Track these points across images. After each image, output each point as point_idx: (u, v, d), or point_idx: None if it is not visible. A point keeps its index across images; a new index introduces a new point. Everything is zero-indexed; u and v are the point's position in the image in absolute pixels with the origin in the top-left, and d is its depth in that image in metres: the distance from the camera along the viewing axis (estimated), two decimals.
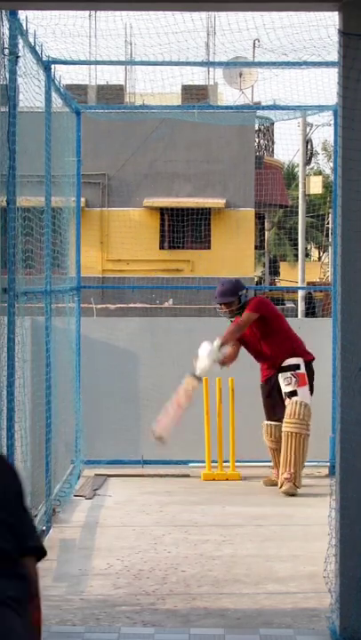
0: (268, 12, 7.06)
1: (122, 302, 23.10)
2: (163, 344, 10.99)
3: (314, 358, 9.56)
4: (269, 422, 9.60)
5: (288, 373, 9.38)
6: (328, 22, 7.42)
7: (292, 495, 9.16)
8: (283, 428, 9.32)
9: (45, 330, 8.24)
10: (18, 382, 6.53)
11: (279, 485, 9.30)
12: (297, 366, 9.39)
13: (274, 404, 9.52)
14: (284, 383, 9.39)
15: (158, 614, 5.91)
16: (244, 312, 9.44)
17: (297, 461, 9.23)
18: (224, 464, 10.06)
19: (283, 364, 9.41)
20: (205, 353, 9.26)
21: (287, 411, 9.30)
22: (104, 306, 21.56)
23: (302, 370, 9.39)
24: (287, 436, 9.26)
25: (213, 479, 9.94)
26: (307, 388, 9.37)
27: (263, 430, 9.65)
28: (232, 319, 9.56)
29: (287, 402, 9.34)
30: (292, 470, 9.21)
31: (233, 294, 9.52)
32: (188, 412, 10.05)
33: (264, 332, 9.47)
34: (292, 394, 9.33)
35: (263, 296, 9.77)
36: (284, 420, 9.32)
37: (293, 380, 9.34)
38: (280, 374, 9.43)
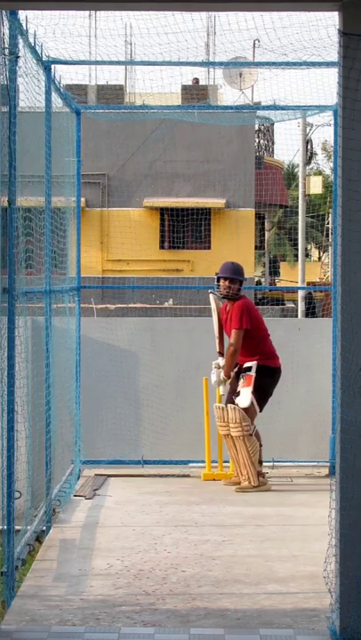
0: (268, 11, 7.06)
1: (122, 302, 23.10)
2: (163, 344, 10.99)
3: (280, 366, 9.66)
4: (221, 404, 9.67)
5: (242, 374, 9.59)
6: (328, 22, 7.42)
7: (247, 491, 9.32)
8: (231, 432, 9.49)
9: (45, 330, 8.24)
10: (18, 382, 6.53)
11: (237, 483, 9.49)
12: (249, 369, 9.53)
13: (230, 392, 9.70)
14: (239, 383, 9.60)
15: (158, 614, 5.91)
16: (231, 324, 9.55)
17: (247, 461, 9.40)
18: (224, 464, 10.06)
19: (244, 366, 9.58)
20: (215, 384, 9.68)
21: (229, 415, 9.49)
22: (104, 306, 21.55)
23: (252, 372, 9.50)
24: (232, 440, 9.49)
25: (213, 479, 9.94)
26: (250, 389, 9.47)
27: (217, 415, 9.67)
28: (225, 298, 9.70)
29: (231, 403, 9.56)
30: (243, 470, 9.43)
31: (240, 274, 9.77)
32: (188, 413, 10.06)
33: (248, 338, 9.61)
34: (237, 394, 9.52)
35: (247, 299, 9.95)
36: (229, 424, 9.52)
37: (242, 380, 9.53)
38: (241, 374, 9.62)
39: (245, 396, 9.46)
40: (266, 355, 9.60)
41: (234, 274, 9.70)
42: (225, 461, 10.07)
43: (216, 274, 9.84)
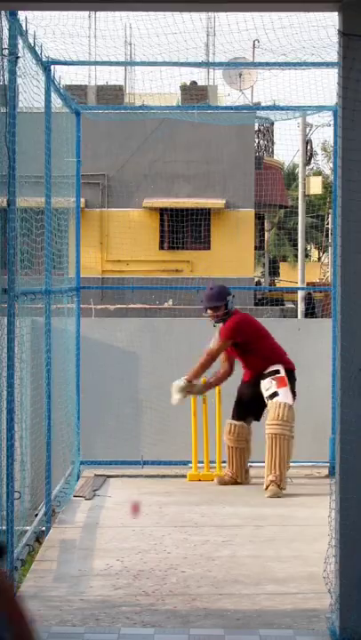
0: (268, 12, 7.07)
1: (121, 303, 23.09)
2: (163, 344, 10.99)
3: (295, 368, 9.55)
4: (233, 421, 9.62)
5: (268, 379, 9.39)
6: (328, 22, 7.43)
7: (278, 497, 9.15)
8: (266, 431, 9.32)
9: (45, 330, 8.24)
10: (18, 382, 6.52)
11: (265, 487, 9.26)
12: (276, 371, 9.39)
13: (246, 407, 9.58)
14: (265, 388, 9.40)
15: (158, 615, 5.91)
16: (219, 334, 9.46)
17: (282, 464, 9.24)
18: (212, 464, 10.03)
19: (264, 372, 9.41)
20: (174, 389, 9.49)
21: (270, 414, 9.32)
22: (104, 306, 21.55)
23: (282, 374, 9.38)
24: (271, 439, 9.27)
25: (199, 480, 9.90)
26: (287, 388, 9.35)
27: (226, 429, 9.65)
28: (217, 324, 9.56)
29: (269, 404, 9.36)
30: (277, 473, 9.23)
31: (220, 299, 9.51)
32: (188, 413, 10.05)
33: (243, 351, 9.53)
34: (273, 395, 9.33)
35: (242, 313, 9.94)
36: (268, 422, 9.34)
37: (273, 382, 9.34)
38: (261, 381, 9.43)
39: (287, 395, 9.30)
40: (283, 359, 9.49)
41: (211, 301, 9.51)
42: (211, 462, 10.05)
43: (200, 302, 9.73)
